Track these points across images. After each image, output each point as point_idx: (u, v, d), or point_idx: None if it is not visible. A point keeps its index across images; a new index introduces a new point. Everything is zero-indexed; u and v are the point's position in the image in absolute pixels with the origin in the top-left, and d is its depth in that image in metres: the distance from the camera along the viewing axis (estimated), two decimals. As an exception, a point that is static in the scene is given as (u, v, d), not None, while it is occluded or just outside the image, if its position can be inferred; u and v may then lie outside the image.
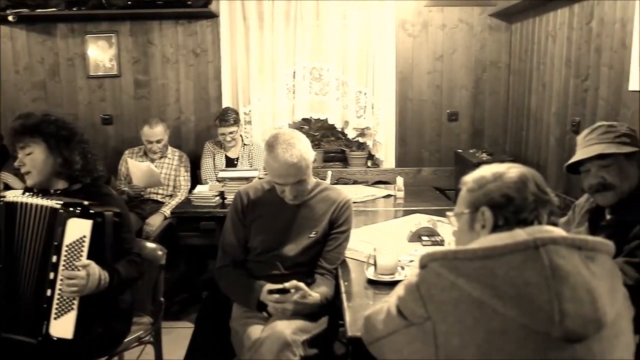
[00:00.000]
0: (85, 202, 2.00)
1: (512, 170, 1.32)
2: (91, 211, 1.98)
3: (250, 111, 4.55)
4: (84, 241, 1.96)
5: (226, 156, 4.21)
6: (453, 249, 1.22)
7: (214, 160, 4.20)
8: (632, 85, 2.74)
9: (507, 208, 1.28)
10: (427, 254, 1.24)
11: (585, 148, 1.94)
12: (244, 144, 4.24)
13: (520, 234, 1.21)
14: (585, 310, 1.11)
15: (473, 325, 1.13)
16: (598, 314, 1.12)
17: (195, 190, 3.68)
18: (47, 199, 2.03)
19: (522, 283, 1.12)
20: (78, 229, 1.97)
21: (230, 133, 4.08)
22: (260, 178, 3.15)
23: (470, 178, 1.38)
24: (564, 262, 1.14)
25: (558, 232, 1.23)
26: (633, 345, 1.23)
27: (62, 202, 2.00)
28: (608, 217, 1.98)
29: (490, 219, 1.29)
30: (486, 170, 1.36)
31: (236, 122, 4.09)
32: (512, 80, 4.59)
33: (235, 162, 4.17)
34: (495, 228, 1.28)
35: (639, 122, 2.67)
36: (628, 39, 2.77)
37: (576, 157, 1.96)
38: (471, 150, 4.37)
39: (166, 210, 3.95)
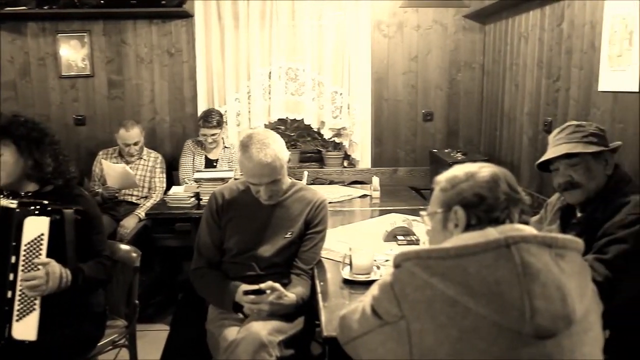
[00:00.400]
0: (45, 202, 1.97)
1: (484, 170, 1.34)
2: (49, 209, 1.95)
3: (226, 111, 4.52)
4: (42, 239, 1.94)
5: (206, 157, 4.18)
6: (426, 248, 1.23)
7: (193, 160, 4.17)
8: (602, 86, 2.80)
9: (479, 207, 1.29)
10: (401, 253, 1.25)
11: (554, 147, 1.98)
12: (225, 147, 4.22)
13: (492, 233, 1.22)
14: (555, 307, 1.13)
15: (446, 324, 1.14)
16: (567, 310, 1.14)
17: (171, 192, 3.65)
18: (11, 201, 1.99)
19: (494, 281, 1.13)
20: (35, 228, 1.94)
21: (213, 135, 4.06)
22: (236, 179, 3.14)
23: (443, 178, 1.39)
24: (534, 260, 1.16)
25: (529, 230, 1.25)
26: (602, 340, 1.25)
27: (18, 202, 1.97)
28: (578, 214, 2.02)
29: (463, 218, 1.30)
30: (459, 170, 1.37)
31: (219, 124, 4.06)
32: (486, 81, 4.64)
33: (215, 164, 4.15)
34: (468, 227, 1.29)
35: (608, 121, 2.72)
36: (597, 41, 2.83)
37: (545, 157, 2.00)
38: (446, 150, 4.41)
39: (141, 212, 3.91)
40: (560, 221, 2.10)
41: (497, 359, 1.11)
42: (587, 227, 1.91)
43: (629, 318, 1.75)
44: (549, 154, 1.98)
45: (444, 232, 1.34)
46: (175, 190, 3.67)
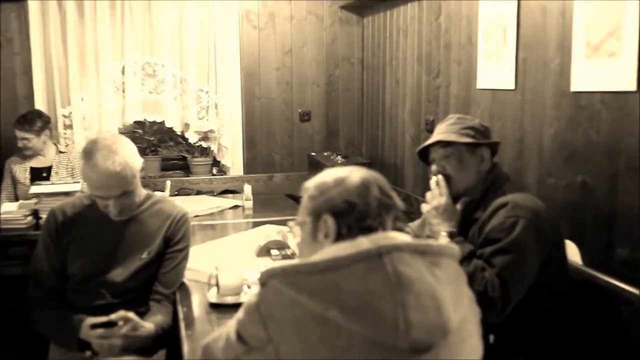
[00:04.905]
0: None
1: (354, 175, 1.38)
2: None
3: (70, 113, 4.31)
4: None
5: (31, 168, 3.95)
6: (294, 263, 1.25)
7: (12, 175, 3.93)
8: (480, 83, 3.00)
9: (350, 215, 1.33)
10: (266, 270, 1.25)
11: (432, 137, 2.13)
12: (60, 152, 4.01)
13: (363, 243, 1.25)
14: (430, 318, 1.18)
15: (317, 344, 1.16)
16: (442, 320, 1.20)
17: (2, 210, 3.40)
18: None
19: (366, 294, 1.17)
20: None
21: (24, 139, 3.84)
22: (82, 192, 3.00)
23: (311, 184, 1.41)
24: (408, 270, 1.21)
25: (402, 238, 1.30)
26: (480, 348, 1.32)
27: None
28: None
29: (333, 228, 1.33)
30: (328, 175, 1.40)
31: (32, 127, 3.82)
32: (366, 77, 4.81)
33: (45, 174, 3.92)
34: (339, 237, 1.33)
35: (487, 119, 2.93)
36: (474, 36, 3.04)
37: (422, 145, 2.15)
38: (325, 153, 4.50)
39: (-37, 236, 3.60)
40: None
41: (372, 377, 1.15)
42: (463, 224, 2.06)
43: (511, 322, 1.88)
44: (425, 142, 2.13)
45: (314, 243, 1.37)
46: (7, 208, 3.43)
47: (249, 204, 3.71)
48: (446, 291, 1.24)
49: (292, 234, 1.48)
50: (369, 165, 4.09)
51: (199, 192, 4.46)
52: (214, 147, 4.63)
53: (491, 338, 1.87)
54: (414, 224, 2.41)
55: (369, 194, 1.34)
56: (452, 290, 1.26)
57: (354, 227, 1.32)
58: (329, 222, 1.33)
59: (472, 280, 1.74)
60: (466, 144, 2.06)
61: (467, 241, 1.96)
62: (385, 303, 1.16)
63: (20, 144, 3.86)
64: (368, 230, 1.32)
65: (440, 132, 2.11)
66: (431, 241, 1.32)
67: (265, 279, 1.25)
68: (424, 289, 1.20)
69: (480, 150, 2.08)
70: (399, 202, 1.40)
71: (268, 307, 1.22)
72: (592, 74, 2.20)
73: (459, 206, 2.12)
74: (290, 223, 1.50)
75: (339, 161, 4.17)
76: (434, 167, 2.12)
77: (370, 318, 1.15)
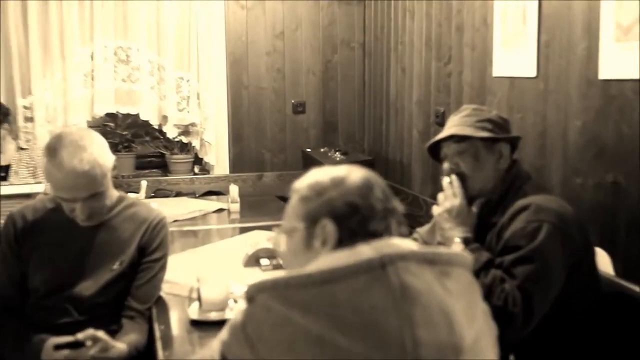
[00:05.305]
0: None
1: (354, 174, 1.37)
2: None
3: (32, 104, 4.30)
4: None
5: None
6: (285, 275, 1.24)
7: None
8: (496, 70, 3.00)
9: (353, 218, 1.32)
10: (254, 284, 1.24)
11: (444, 130, 2.12)
12: (20, 148, 4.01)
13: (364, 251, 1.25)
14: (441, 335, 1.17)
15: (312, 368, 1.15)
16: (455, 338, 1.19)
17: (-47, 215, 3.40)
18: None
19: (368, 310, 1.16)
20: None
21: None
22: (46, 194, 3.00)
23: (303, 184, 1.41)
24: (415, 281, 1.20)
25: (407, 245, 1.29)
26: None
27: None
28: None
29: (333, 234, 1.32)
30: (322, 174, 1.39)
31: None
32: (368, 63, 4.81)
33: (3, 174, 3.92)
34: (339, 244, 1.32)
35: (505, 110, 2.92)
36: (490, 17, 3.03)
37: (433, 140, 2.14)
38: (322, 149, 4.51)
39: None
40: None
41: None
42: (480, 229, 2.06)
43: (534, 340, 1.88)
44: (437, 137, 2.13)
45: (307, 252, 1.35)
46: (-40, 212, 3.43)
47: (236, 207, 3.70)
48: (458, 305, 1.23)
49: (276, 243, 1.48)
50: (371, 163, 4.09)
51: (178, 194, 4.47)
52: (195, 143, 4.63)
53: (511, 358, 1.86)
54: (423, 229, 2.41)
55: (372, 195, 1.34)
56: (465, 304, 1.26)
57: (357, 231, 1.31)
58: (329, 227, 1.32)
59: (490, 293, 1.74)
60: (483, 139, 2.05)
61: (483, 248, 1.96)
62: (389, 319, 1.15)
63: None
64: (372, 235, 1.31)
65: (454, 125, 2.10)
66: (440, 249, 1.32)
67: (253, 294, 1.23)
68: (433, 302, 1.19)
69: (499, 146, 2.07)
70: (399, 206, 1.39)
71: (256, 326, 1.21)
72: (623, 59, 2.19)
73: (474, 209, 2.12)
74: (276, 229, 1.49)
75: (338, 158, 4.17)
76: (446, 165, 2.11)
77: (372, 336, 1.15)
